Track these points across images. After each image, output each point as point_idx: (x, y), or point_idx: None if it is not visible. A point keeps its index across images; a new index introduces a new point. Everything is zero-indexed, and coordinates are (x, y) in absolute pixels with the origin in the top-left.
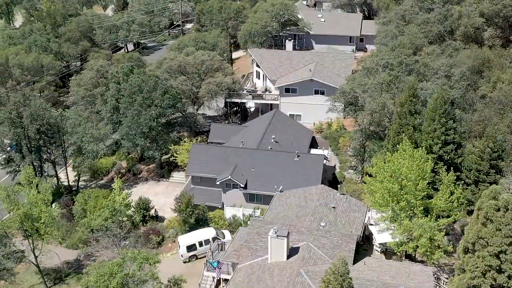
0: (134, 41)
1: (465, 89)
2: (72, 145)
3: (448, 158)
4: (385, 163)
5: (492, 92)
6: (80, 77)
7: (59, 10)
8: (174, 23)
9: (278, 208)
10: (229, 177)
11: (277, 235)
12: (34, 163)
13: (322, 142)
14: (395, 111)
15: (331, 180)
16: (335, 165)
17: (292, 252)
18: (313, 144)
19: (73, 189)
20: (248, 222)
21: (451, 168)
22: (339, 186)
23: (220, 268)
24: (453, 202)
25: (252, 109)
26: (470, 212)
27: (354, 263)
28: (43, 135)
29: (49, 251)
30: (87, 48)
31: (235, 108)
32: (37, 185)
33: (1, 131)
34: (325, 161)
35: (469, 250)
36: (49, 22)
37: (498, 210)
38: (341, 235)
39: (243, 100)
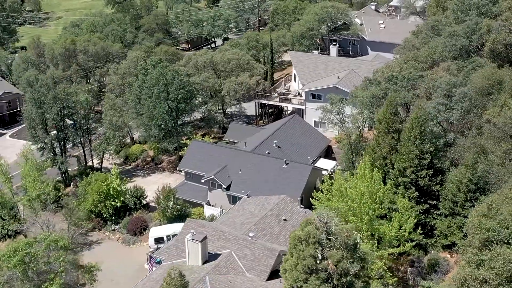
0: (223, 36)
1: (466, 111)
2: (95, 129)
3: (423, 184)
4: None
5: (496, 117)
6: (118, 66)
7: (144, 2)
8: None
9: (234, 212)
10: (213, 176)
11: (192, 239)
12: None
13: (339, 152)
14: (375, 127)
15: None
16: None
17: (212, 258)
18: (329, 153)
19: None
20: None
21: (427, 195)
22: None
23: (154, 263)
24: (405, 230)
25: (288, 112)
26: (445, 247)
27: (270, 279)
28: (65, 117)
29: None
30: (161, 40)
31: (270, 110)
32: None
33: (28, 110)
34: (325, 172)
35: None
36: (132, 13)
37: (301, 242)
38: (264, 249)
39: (271, 102)
